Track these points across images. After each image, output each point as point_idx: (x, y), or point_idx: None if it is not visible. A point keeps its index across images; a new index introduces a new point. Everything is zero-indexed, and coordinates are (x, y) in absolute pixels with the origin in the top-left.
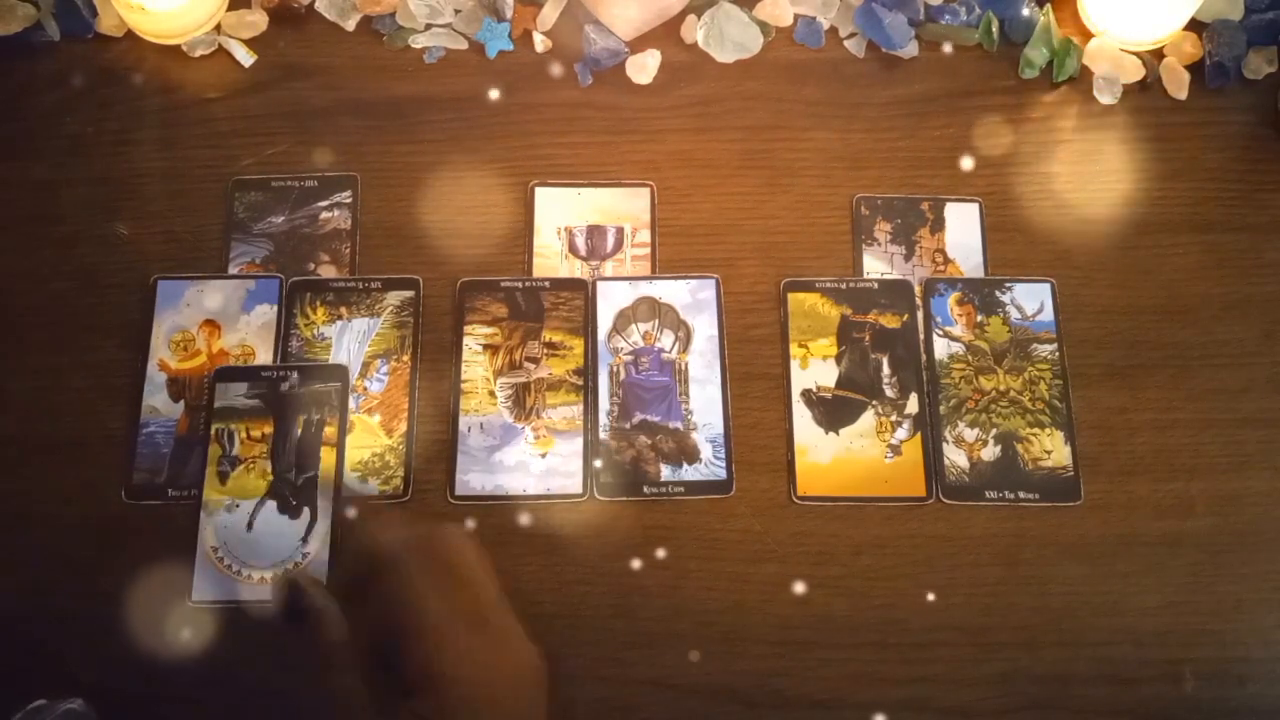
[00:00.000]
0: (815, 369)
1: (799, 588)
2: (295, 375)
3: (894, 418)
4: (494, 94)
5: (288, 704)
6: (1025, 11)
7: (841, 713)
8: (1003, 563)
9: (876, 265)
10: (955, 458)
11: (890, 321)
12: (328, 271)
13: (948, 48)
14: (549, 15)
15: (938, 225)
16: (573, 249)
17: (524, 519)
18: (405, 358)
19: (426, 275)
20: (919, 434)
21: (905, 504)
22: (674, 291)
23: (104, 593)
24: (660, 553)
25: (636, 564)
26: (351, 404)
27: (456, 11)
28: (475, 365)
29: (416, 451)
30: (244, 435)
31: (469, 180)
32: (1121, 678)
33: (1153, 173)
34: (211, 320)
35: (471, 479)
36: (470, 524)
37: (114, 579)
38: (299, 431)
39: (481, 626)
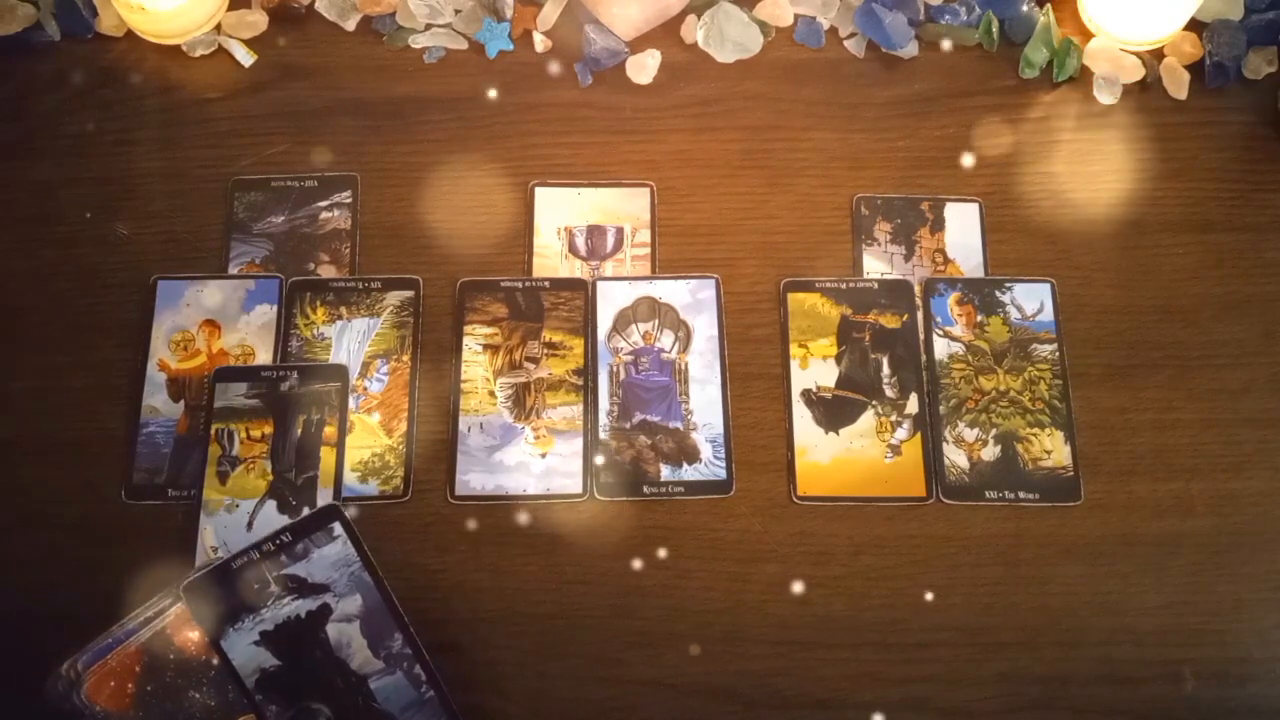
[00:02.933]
0: (815, 369)
1: (798, 587)
2: (295, 375)
3: (894, 418)
4: (494, 94)
5: None
6: (1024, 8)
7: (841, 713)
8: (1003, 563)
9: (876, 265)
10: (955, 458)
11: (890, 321)
12: (328, 271)
13: (948, 47)
14: (549, 15)
15: (938, 225)
16: (573, 249)
17: (524, 519)
18: (405, 358)
19: (426, 275)
20: (919, 434)
21: (905, 504)
22: (674, 291)
23: (104, 593)
24: (660, 552)
25: (636, 564)
26: (351, 404)
27: (456, 11)
28: (475, 365)
29: (416, 451)
30: (244, 435)
31: (469, 180)
32: (1121, 678)
33: (1153, 173)
34: (211, 320)
35: (471, 479)
36: (473, 524)
37: (114, 579)
38: (299, 431)
39: None
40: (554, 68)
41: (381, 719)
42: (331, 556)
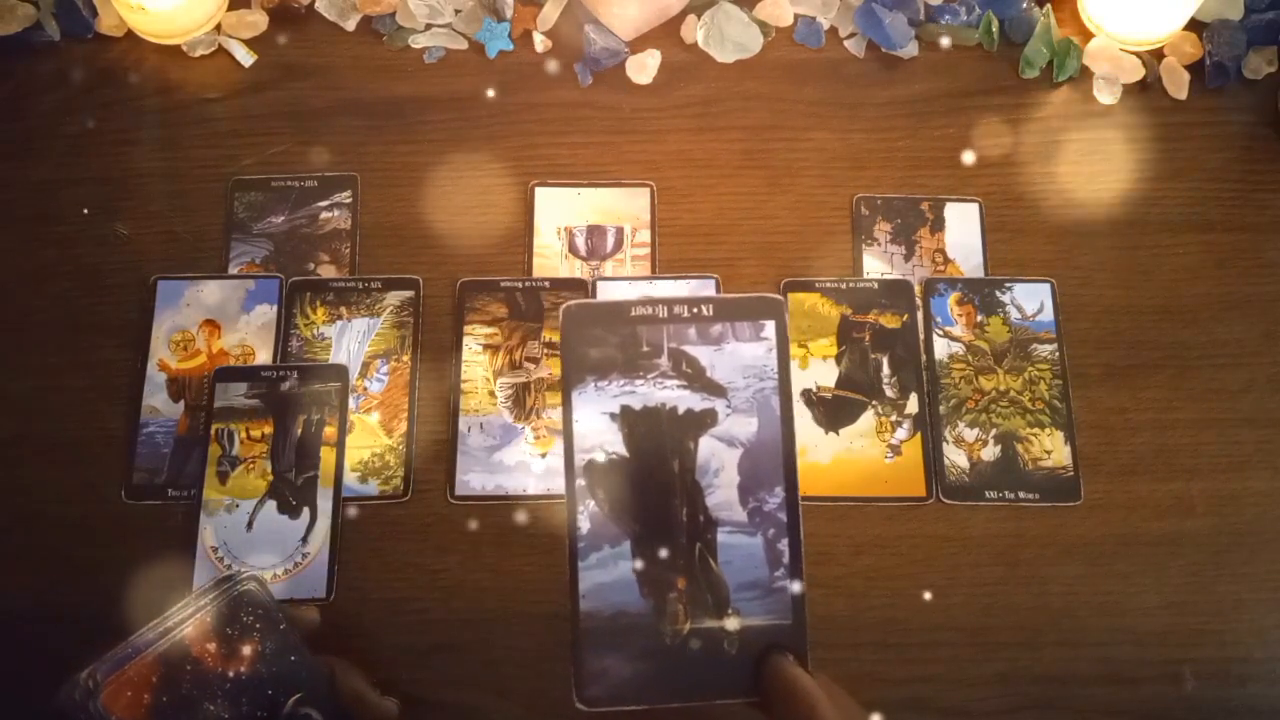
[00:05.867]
0: (815, 369)
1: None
2: (295, 375)
3: (894, 418)
4: (494, 94)
5: None
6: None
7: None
8: (1003, 563)
9: (876, 265)
10: (955, 458)
11: (890, 321)
12: (328, 271)
13: (948, 47)
14: (549, 15)
15: (938, 225)
16: (573, 249)
17: (524, 519)
18: (405, 358)
19: (426, 275)
20: (919, 434)
21: (905, 504)
22: (674, 291)
23: (104, 593)
24: None
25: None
26: (351, 404)
27: (456, 11)
28: (475, 365)
29: (416, 451)
30: (244, 435)
31: (469, 180)
32: (1121, 678)
33: (1153, 173)
34: (211, 320)
35: (471, 479)
36: (457, 525)
37: (114, 579)
38: (299, 431)
39: None
40: (554, 68)
41: (712, 585)
42: (746, 357)
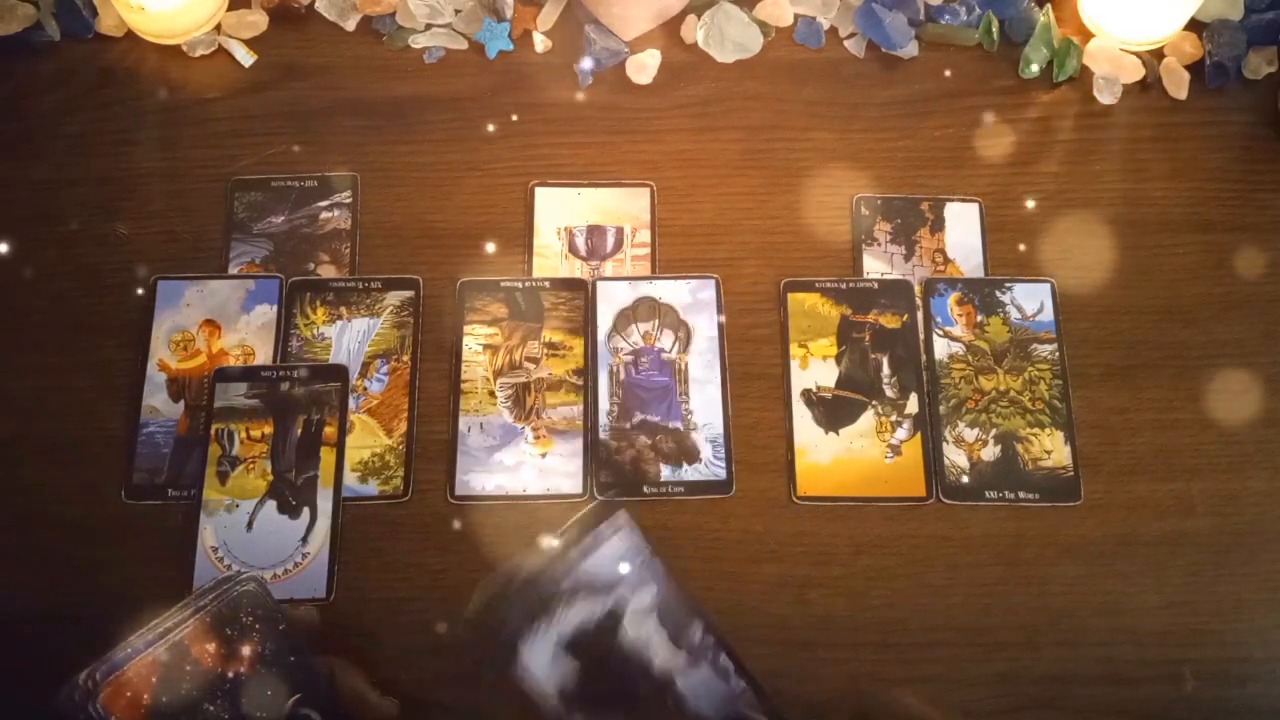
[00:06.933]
0: (815, 369)
1: (799, 588)
2: (295, 375)
3: (894, 418)
4: (494, 94)
5: None
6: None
7: (842, 713)
8: (1003, 563)
9: (876, 265)
10: (955, 458)
11: (890, 321)
12: (328, 271)
13: (947, 47)
14: (549, 15)
15: (938, 225)
16: (573, 249)
17: (524, 519)
18: (405, 358)
19: (426, 275)
20: (919, 434)
21: (905, 504)
22: (674, 291)
23: (104, 593)
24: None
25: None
26: (351, 404)
27: (456, 11)
28: (475, 365)
29: (416, 451)
30: (244, 435)
31: (469, 180)
32: (1121, 678)
33: (1153, 173)
34: (211, 320)
35: (471, 479)
36: (457, 525)
37: (114, 579)
38: (299, 431)
39: None
40: (554, 68)
41: None
42: (618, 550)
